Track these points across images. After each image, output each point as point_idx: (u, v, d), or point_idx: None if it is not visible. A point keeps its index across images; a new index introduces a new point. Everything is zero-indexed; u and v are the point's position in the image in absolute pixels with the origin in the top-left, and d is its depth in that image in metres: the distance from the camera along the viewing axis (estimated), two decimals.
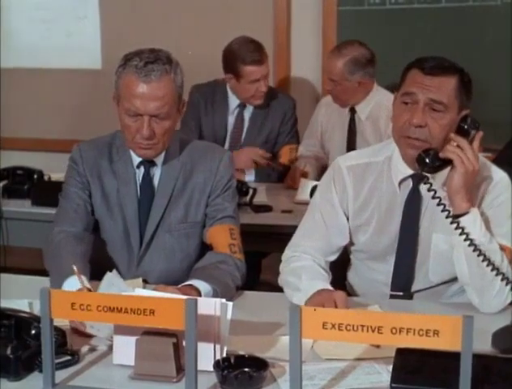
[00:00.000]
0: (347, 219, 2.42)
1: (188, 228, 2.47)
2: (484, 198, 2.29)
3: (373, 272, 2.44)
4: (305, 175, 3.74)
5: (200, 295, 2.14)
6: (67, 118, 4.80)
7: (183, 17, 4.45)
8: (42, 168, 3.74)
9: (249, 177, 3.85)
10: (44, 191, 3.48)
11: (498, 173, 2.33)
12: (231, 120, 4.03)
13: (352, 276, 2.56)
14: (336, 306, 2.06)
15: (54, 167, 3.58)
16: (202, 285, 2.19)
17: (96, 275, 2.41)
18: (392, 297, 2.38)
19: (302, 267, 2.34)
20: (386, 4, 4.20)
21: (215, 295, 2.16)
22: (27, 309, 2.11)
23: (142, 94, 2.29)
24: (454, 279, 2.35)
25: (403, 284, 2.38)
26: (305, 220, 2.48)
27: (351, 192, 2.40)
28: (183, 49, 4.23)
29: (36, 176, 3.71)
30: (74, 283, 2.12)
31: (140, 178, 2.45)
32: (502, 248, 2.20)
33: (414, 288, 2.38)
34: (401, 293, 2.37)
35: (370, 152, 2.46)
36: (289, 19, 4.50)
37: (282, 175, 3.88)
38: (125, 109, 2.33)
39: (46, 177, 3.70)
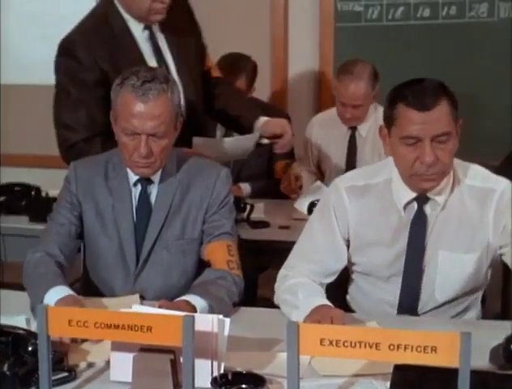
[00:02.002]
0: (348, 241, 2.41)
1: (185, 245, 2.47)
2: (496, 209, 2.29)
3: (377, 292, 2.43)
4: (298, 178, 3.74)
5: (195, 310, 2.14)
6: None
7: None
8: (41, 184, 3.74)
9: (246, 191, 3.84)
10: (42, 207, 3.48)
11: (502, 183, 2.33)
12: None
13: (354, 293, 2.54)
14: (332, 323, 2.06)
15: (53, 183, 3.58)
16: (198, 301, 2.19)
17: (91, 294, 2.43)
18: None
19: (298, 284, 2.33)
20: (383, 20, 4.22)
21: (211, 310, 2.16)
22: (25, 326, 2.11)
23: (140, 113, 2.29)
24: (460, 297, 2.36)
25: (409, 305, 2.38)
26: (302, 240, 2.47)
27: (351, 213, 2.39)
28: None
29: (33, 192, 3.71)
30: (55, 294, 2.16)
31: (137, 196, 2.45)
32: None
33: (420, 307, 2.38)
34: (408, 315, 2.36)
35: (367, 174, 2.44)
36: (286, 34, 4.51)
37: (278, 190, 3.87)
38: (122, 128, 2.33)
39: (44, 194, 3.70)
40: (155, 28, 2.91)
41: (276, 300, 2.38)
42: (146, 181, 2.44)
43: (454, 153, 2.25)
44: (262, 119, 3.09)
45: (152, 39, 2.90)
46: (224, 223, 2.47)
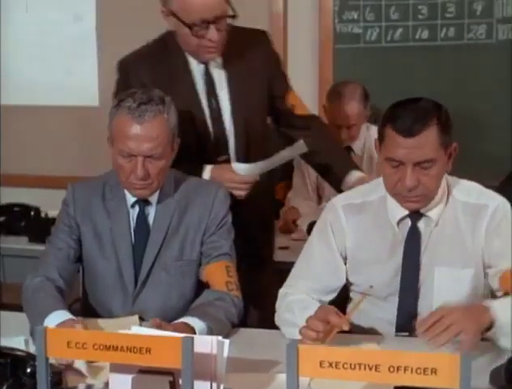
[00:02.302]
0: (345, 259, 2.42)
1: (183, 266, 2.47)
2: (487, 226, 2.29)
3: (376, 311, 2.42)
4: (294, 220, 3.73)
5: (194, 332, 2.13)
6: (66, 155, 4.81)
7: None
8: (41, 204, 3.74)
9: None
10: (41, 228, 3.48)
11: (496, 199, 2.33)
12: None
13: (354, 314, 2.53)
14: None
15: (52, 203, 3.58)
16: (197, 322, 2.19)
17: (91, 315, 2.42)
18: (397, 336, 2.37)
19: (295, 301, 2.34)
20: (382, 42, 4.24)
21: (210, 332, 2.16)
22: (23, 347, 2.10)
23: (136, 135, 2.29)
24: None
25: (407, 324, 2.36)
26: (301, 259, 2.48)
27: (348, 231, 2.40)
28: None
29: (32, 213, 3.72)
30: (55, 319, 2.16)
31: (135, 217, 2.45)
32: None
33: None
34: (406, 334, 2.36)
35: (363, 192, 2.46)
36: (286, 56, 4.52)
37: (277, 212, 3.87)
38: (118, 150, 2.33)
39: (43, 214, 3.71)
40: (215, 64, 2.80)
41: (277, 321, 2.38)
42: (143, 202, 2.44)
43: (440, 177, 2.26)
44: (356, 174, 2.96)
45: (207, 74, 2.81)
46: (222, 244, 2.47)
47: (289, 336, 2.27)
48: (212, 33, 2.65)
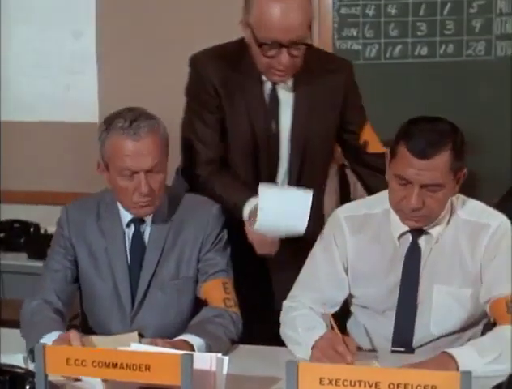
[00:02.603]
0: (347, 270, 2.42)
1: (180, 285, 2.46)
2: (487, 245, 2.29)
3: (374, 325, 2.43)
4: None
5: (193, 349, 2.13)
6: (66, 171, 4.81)
7: (178, 70, 4.49)
8: (41, 220, 3.74)
9: None
10: (41, 244, 3.48)
11: (498, 219, 2.33)
12: None
13: (352, 327, 2.54)
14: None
15: (53, 220, 3.58)
16: (195, 340, 2.19)
17: (90, 332, 2.41)
18: (393, 352, 2.36)
19: (298, 318, 2.34)
20: (381, 59, 4.24)
21: (208, 349, 2.16)
22: (22, 364, 2.09)
23: (135, 152, 2.30)
24: (458, 331, 2.35)
25: (404, 340, 2.37)
26: (305, 271, 2.48)
27: (349, 242, 2.41)
28: (177, 102, 4.29)
29: (32, 229, 3.71)
30: (51, 339, 2.15)
31: (130, 236, 2.45)
32: None
33: (415, 341, 2.36)
34: (403, 349, 2.36)
35: (367, 204, 2.46)
36: None
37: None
38: (118, 171, 2.33)
39: (42, 230, 3.71)
40: (283, 85, 2.66)
41: (282, 335, 2.38)
42: (139, 221, 2.45)
43: (445, 201, 2.26)
44: None
45: (274, 92, 2.67)
46: (218, 261, 2.47)
47: (293, 353, 2.27)
48: (283, 57, 2.50)
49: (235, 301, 2.44)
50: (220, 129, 2.69)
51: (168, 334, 2.29)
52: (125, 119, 2.32)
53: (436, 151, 2.16)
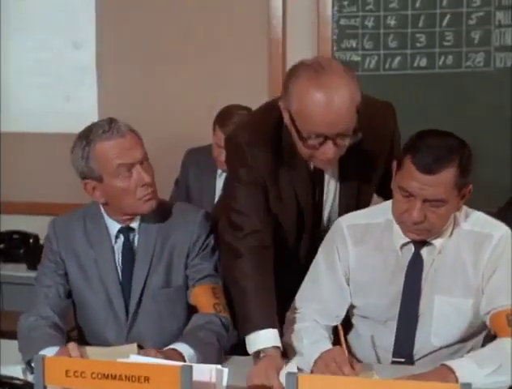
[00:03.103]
0: (348, 280, 2.42)
1: (172, 294, 2.48)
2: (490, 256, 2.28)
3: (374, 336, 2.43)
4: None
5: (183, 358, 2.15)
6: (65, 182, 4.80)
7: (177, 81, 4.50)
8: (41, 232, 3.73)
9: None
10: (40, 255, 3.47)
11: (501, 229, 2.32)
12: (219, 184, 3.88)
13: (352, 339, 2.52)
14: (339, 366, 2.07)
15: None
16: (186, 349, 2.21)
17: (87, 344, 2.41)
18: (394, 362, 2.36)
19: (303, 330, 2.34)
20: (381, 70, 4.25)
21: (199, 357, 2.18)
22: (21, 376, 2.09)
23: (124, 147, 2.35)
24: (458, 342, 2.35)
25: (404, 350, 2.36)
26: (307, 281, 2.47)
27: (351, 251, 2.40)
28: (176, 114, 4.29)
29: (31, 240, 3.71)
30: (50, 352, 2.16)
31: (120, 246, 2.46)
32: None
33: (416, 352, 2.36)
34: (403, 360, 2.35)
35: (370, 213, 2.46)
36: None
37: None
38: (114, 173, 2.36)
39: (42, 242, 3.70)
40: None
41: (284, 345, 2.37)
42: (127, 230, 2.46)
43: (447, 217, 2.26)
44: None
45: (317, 170, 2.48)
46: (205, 266, 2.48)
47: (291, 361, 2.27)
48: (328, 148, 2.27)
49: (224, 305, 2.45)
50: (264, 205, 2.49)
51: (165, 341, 2.30)
52: (101, 126, 2.37)
53: (441, 167, 2.14)
